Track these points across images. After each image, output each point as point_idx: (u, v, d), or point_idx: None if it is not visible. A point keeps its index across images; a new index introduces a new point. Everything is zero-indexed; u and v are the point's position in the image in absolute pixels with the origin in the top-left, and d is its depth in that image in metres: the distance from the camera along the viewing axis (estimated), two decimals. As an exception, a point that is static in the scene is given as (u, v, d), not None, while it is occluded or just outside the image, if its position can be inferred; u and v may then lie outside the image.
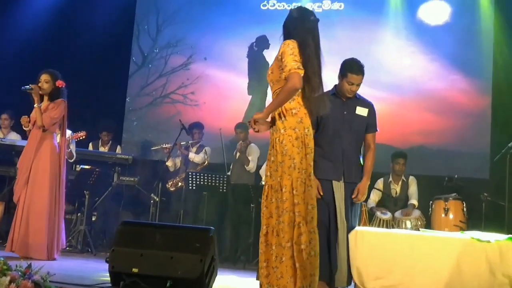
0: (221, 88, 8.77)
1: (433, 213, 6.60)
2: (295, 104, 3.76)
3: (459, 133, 7.87)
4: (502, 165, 6.48)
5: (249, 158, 7.52)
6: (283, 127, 3.72)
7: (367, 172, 4.52)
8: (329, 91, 4.46)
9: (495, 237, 4.63)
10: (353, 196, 4.40)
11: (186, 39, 8.95)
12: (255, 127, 3.79)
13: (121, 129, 8.91)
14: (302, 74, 3.66)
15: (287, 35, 3.83)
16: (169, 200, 7.73)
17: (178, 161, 7.89)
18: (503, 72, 7.72)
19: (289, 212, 3.65)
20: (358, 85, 4.48)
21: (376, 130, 4.61)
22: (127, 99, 9.07)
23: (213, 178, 7.19)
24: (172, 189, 7.66)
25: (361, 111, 4.52)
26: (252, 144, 7.66)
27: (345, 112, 4.53)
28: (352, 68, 4.47)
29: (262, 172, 7.46)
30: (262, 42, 8.66)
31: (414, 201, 6.89)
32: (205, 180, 7.18)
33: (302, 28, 3.78)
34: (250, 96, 8.63)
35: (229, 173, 7.58)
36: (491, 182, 7.47)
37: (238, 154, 7.61)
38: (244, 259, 7.16)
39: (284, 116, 3.74)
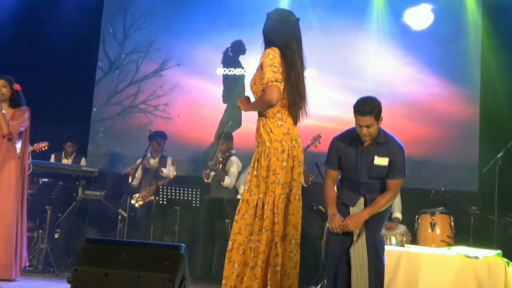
0: (195, 96, 8.71)
1: (419, 228, 6.61)
2: (280, 115, 3.78)
3: (445, 144, 7.91)
4: (491, 177, 6.49)
5: (230, 171, 7.43)
6: (269, 139, 3.74)
7: (373, 207, 4.26)
8: (350, 131, 4.39)
9: (484, 253, 4.74)
10: (342, 223, 4.22)
11: (157, 43, 8.89)
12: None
13: (87, 140, 8.83)
14: (281, 86, 3.67)
15: (268, 42, 3.84)
16: (138, 215, 7.65)
17: (139, 173, 7.79)
18: (491, 79, 7.76)
19: (268, 231, 3.65)
20: (369, 126, 4.23)
21: (400, 177, 4.34)
22: (93, 108, 8.98)
23: (186, 192, 7.14)
24: (138, 205, 7.57)
25: (380, 161, 4.29)
26: (232, 158, 7.60)
27: (359, 163, 4.33)
28: (356, 109, 4.30)
29: (239, 185, 7.44)
30: (238, 47, 8.67)
31: (398, 214, 6.87)
32: (177, 194, 7.14)
33: (283, 32, 3.78)
34: (226, 105, 8.60)
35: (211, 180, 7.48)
36: (479, 195, 7.50)
37: (212, 173, 7.50)
38: (219, 278, 6.96)
39: (270, 129, 3.76)
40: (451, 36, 8.11)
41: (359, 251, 4.19)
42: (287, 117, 3.78)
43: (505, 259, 4.70)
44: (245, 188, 3.80)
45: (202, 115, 8.66)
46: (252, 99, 3.92)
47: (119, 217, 7.41)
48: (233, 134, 7.98)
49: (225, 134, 7.56)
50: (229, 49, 8.70)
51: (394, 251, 4.71)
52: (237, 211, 3.76)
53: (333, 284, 4.24)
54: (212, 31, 8.72)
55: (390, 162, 4.26)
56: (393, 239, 6.61)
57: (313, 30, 7.91)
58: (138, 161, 7.56)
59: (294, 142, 3.75)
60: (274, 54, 3.71)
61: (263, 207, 3.67)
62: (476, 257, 4.60)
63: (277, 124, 3.75)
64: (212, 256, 7.50)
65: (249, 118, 8.18)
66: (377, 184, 4.34)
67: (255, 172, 3.75)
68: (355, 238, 4.19)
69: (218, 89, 8.69)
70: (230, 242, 3.75)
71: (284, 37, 3.77)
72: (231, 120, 8.15)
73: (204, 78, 8.73)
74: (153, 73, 8.89)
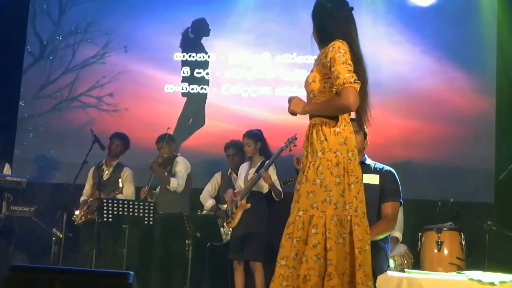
0: (147, 86, 8.71)
1: (423, 248, 6.58)
2: (339, 121, 3.84)
3: (455, 144, 7.97)
4: (510, 185, 6.59)
5: (175, 171, 7.53)
6: (321, 148, 3.78)
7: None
8: None
9: (500, 278, 4.60)
10: None
11: (99, 22, 8.84)
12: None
13: (12, 142, 8.75)
14: (359, 88, 3.79)
15: (325, 35, 3.92)
16: (78, 236, 7.58)
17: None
18: (510, 65, 7.85)
19: (320, 259, 3.69)
20: (357, 133, 4.45)
21: (396, 201, 4.86)
22: (20, 102, 8.94)
23: (136, 207, 7.08)
24: (80, 222, 7.52)
25: (370, 178, 4.76)
26: (178, 158, 7.74)
27: None
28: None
29: (203, 198, 7.55)
30: (200, 28, 8.70)
31: (397, 233, 6.86)
32: (125, 210, 7.08)
33: (343, 22, 3.89)
34: (185, 98, 8.67)
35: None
36: (496, 206, 7.48)
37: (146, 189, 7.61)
38: (178, 312, 7.24)
39: (324, 136, 3.81)
40: (461, 14, 8.12)
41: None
42: (346, 124, 3.85)
43: None
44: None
45: (156, 110, 8.67)
46: (304, 99, 3.98)
47: (53, 238, 7.27)
48: (195, 133, 7.99)
49: (167, 137, 7.60)
50: (189, 29, 8.75)
51: (393, 277, 4.50)
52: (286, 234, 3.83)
53: None
54: (167, 7, 8.72)
55: (381, 180, 4.78)
56: (392, 262, 6.52)
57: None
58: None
59: (350, 154, 3.81)
60: (345, 48, 3.80)
61: (302, 228, 3.72)
62: (492, 283, 4.46)
63: (334, 132, 3.81)
64: (169, 285, 7.53)
65: (215, 115, 8.50)
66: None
67: (298, 187, 3.83)
68: None
69: (176, 79, 8.71)
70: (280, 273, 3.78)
71: (345, 28, 3.88)
72: (192, 116, 8.20)
73: (159, 65, 8.74)
74: (95, 58, 8.87)
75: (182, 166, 7.69)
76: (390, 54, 8.29)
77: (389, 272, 4.70)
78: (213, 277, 7.84)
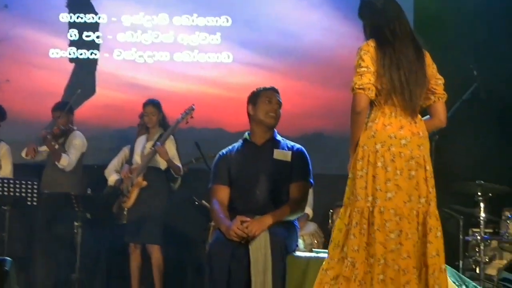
0: (29, 52, 8.50)
1: (334, 225, 6.62)
2: (375, 114, 4.06)
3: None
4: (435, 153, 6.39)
5: (70, 147, 7.41)
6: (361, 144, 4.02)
7: (276, 212, 4.88)
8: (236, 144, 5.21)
9: None
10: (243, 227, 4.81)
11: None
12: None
13: None
14: (370, 94, 3.96)
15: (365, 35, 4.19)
16: None
17: None
18: (426, 23, 7.82)
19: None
20: (278, 104, 5.12)
21: (306, 181, 5.07)
22: None
23: (18, 186, 6.88)
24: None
25: (282, 154, 5.06)
26: (76, 132, 7.59)
27: (258, 160, 5.12)
28: (263, 88, 5.20)
29: (108, 173, 7.53)
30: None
31: (307, 209, 6.95)
32: (4, 190, 6.89)
33: (377, 15, 4.09)
34: (73, 65, 8.51)
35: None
36: None
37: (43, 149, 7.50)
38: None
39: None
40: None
41: (261, 252, 4.65)
42: (382, 117, 4.02)
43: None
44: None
45: (39, 78, 8.50)
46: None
47: None
48: (84, 103, 7.92)
49: (69, 106, 7.48)
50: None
51: (300, 258, 4.74)
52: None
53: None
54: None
55: (293, 157, 5.05)
56: (300, 242, 6.29)
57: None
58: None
59: (378, 146, 3.97)
60: (367, 48, 4.01)
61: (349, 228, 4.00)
62: None
63: (366, 127, 4.03)
64: (56, 273, 7.44)
65: (106, 84, 8.41)
66: (272, 194, 5.03)
67: (359, 173, 3.99)
68: (257, 239, 4.68)
69: (62, 43, 8.53)
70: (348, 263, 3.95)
71: (380, 21, 4.08)
72: (81, 85, 7.94)
73: (42, 28, 8.54)
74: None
75: (78, 142, 7.55)
76: (301, 12, 8.25)
77: (297, 253, 4.80)
78: (110, 263, 7.86)
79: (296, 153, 5.12)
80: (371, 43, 4.03)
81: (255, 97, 5.18)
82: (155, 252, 7.02)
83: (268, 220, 4.78)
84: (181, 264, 8.03)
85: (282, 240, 4.73)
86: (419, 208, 3.89)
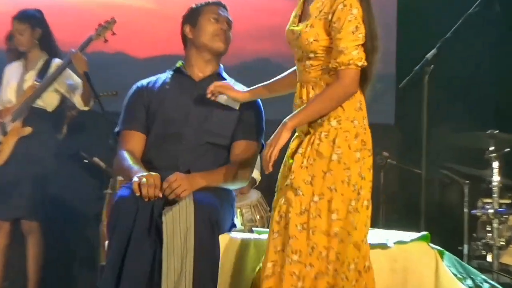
0: None
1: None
2: None
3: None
4: (416, 100, 6.46)
5: None
6: (337, 117, 4.16)
7: (211, 173, 4.82)
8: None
9: (398, 237, 4.94)
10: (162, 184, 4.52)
11: None
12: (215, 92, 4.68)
13: None
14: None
15: None
16: None
17: None
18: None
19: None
20: (228, 23, 5.10)
21: (255, 140, 4.99)
22: None
23: None
24: None
25: (228, 99, 4.92)
26: None
27: (194, 101, 4.95)
28: (206, 2, 5.11)
29: None
30: None
31: (255, 172, 6.83)
32: None
33: None
34: None
35: None
36: (396, 130, 8.07)
37: None
38: None
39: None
40: None
41: (180, 227, 4.47)
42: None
43: (435, 247, 4.84)
44: (283, 183, 4.18)
45: None
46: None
47: None
48: None
49: None
50: None
51: (236, 239, 4.74)
52: (277, 216, 4.13)
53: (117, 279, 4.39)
54: None
55: (242, 107, 4.94)
56: (238, 219, 6.61)
57: None
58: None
59: (365, 122, 4.20)
60: (358, 6, 4.10)
61: (319, 215, 4.12)
62: (384, 246, 4.77)
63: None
64: None
65: None
66: (204, 151, 4.93)
67: (304, 162, 4.14)
68: (176, 207, 4.45)
69: None
70: (268, 265, 4.12)
71: None
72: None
73: None
74: None
75: None
76: None
77: (233, 233, 4.81)
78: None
79: (249, 102, 4.91)
80: (358, 2, 4.09)
81: (194, 15, 4.98)
82: (33, 232, 6.80)
83: (199, 180, 4.59)
84: (65, 248, 7.87)
85: (214, 212, 4.48)
86: None
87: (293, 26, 4.26)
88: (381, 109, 7.91)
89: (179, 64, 4.99)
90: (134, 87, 4.98)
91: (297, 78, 4.31)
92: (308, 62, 4.23)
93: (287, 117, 4.16)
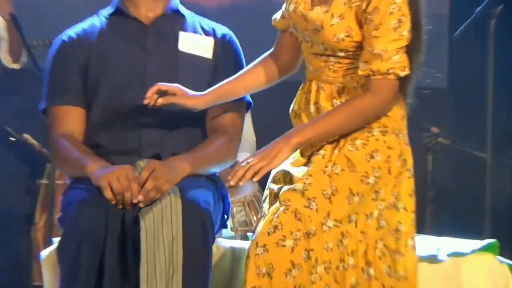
0: None
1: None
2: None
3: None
4: (474, 48, 6.52)
5: None
6: (381, 126, 3.82)
7: (196, 154, 4.34)
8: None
9: (455, 246, 4.68)
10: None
11: None
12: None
13: None
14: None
15: None
16: None
17: None
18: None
19: None
20: None
21: (240, 99, 4.42)
22: None
23: None
24: None
25: (195, 44, 4.51)
26: None
27: (147, 52, 4.39)
28: None
29: None
30: None
31: (251, 138, 6.82)
32: None
33: None
34: None
35: None
36: (449, 96, 7.66)
37: None
38: None
39: None
40: None
41: (163, 236, 4.00)
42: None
43: (506, 261, 4.48)
44: (292, 189, 3.67)
45: None
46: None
47: None
48: None
49: None
50: None
51: (225, 249, 4.60)
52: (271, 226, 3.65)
53: None
54: None
55: (216, 54, 4.52)
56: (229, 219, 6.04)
57: None
58: None
59: (405, 134, 3.97)
60: (404, 6, 3.76)
61: (331, 249, 3.76)
62: (434, 258, 4.40)
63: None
64: None
65: None
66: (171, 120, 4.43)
67: (329, 167, 3.79)
68: (157, 206, 4.02)
69: None
70: None
71: None
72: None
73: None
74: None
75: None
76: None
77: (221, 241, 4.71)
78: None
79: (223, 45, 4.48)
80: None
81: None
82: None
83: (182, 166, 4.12)
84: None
85: (208, 212, 4.07)
86: None
87: (306, 9, 3.86)
88: (428, 66, 7.47)
89: (116, 2, 4.37)
90: (59, 41, 4.32)
91: (306, 75, 3.97)
92: (333, 59, 3.87)
93: (292, 131, 3.82)
